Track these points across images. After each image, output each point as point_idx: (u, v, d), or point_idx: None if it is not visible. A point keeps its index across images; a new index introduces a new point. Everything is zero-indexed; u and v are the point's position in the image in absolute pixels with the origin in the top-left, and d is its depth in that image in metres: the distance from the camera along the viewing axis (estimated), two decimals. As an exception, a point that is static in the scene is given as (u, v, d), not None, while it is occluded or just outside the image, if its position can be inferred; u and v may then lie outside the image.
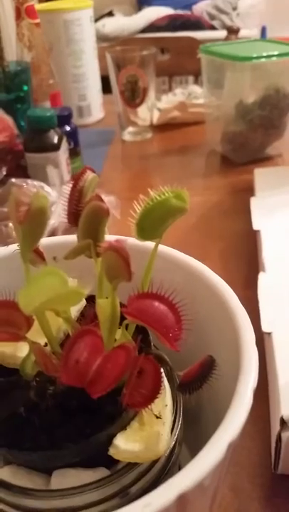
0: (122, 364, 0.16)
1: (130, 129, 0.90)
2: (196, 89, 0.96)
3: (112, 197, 0.62)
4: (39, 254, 0.18)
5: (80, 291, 0.15)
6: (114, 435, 0.19)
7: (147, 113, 0.89)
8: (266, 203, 0.56)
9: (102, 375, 0.16)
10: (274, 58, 0.70)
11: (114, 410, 0.19)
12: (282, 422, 0.31)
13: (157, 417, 0.20)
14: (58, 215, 0.55)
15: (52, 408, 0.19)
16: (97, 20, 1.44)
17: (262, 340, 0.40)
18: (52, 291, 0.14)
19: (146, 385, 0.18)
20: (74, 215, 0.19)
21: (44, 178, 0.67)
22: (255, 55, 0.69)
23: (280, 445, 0.32)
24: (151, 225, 0.19)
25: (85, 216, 0.18)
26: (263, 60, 0.70)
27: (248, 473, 0.34)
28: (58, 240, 0.27)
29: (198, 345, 0.23)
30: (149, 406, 0.19)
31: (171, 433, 0.21)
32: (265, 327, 0.38)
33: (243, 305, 0.22)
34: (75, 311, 0.23)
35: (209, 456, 0.15)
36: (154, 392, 0.17)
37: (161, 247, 0.26)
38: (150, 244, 0.20)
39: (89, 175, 0.19)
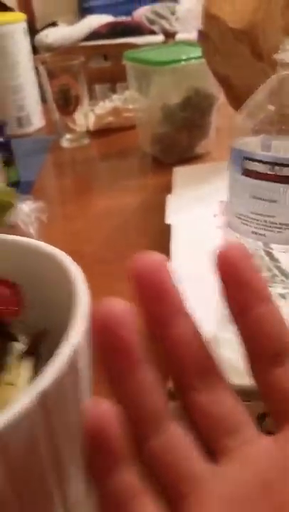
0: None
1: (68, 135, 0.93)
2: (133, 93, 1.00)
3: (41, 202, 0.65)
4: None
5: None
6: None
7: (83, 120, 0.92)
8: (180, 199, 0.60)
9: None
10: (192, 61, 0.74)
11: None
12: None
13: (11, 385, 0.23)
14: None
15: None
16: (41, 30, 1.47)
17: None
18: None
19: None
20: None
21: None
22: (174, 59, 0.73)
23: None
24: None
25: None
26: (183, 63, 0.74)
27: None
28: None
29: (44, 316, 0.26)
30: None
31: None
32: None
33: None
34: None
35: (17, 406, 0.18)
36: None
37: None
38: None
39: None
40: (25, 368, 0.25)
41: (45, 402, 0.20)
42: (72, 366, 0.21)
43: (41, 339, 0.22)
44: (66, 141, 0.93)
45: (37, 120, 1.02)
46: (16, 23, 0.94)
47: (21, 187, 0.77)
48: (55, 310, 0.27)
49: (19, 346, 0.25)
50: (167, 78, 0.76)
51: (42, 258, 0.27)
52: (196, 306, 0.21)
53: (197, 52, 0.75)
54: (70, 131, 0.93)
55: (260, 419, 0.30)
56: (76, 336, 0.21)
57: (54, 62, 0.87)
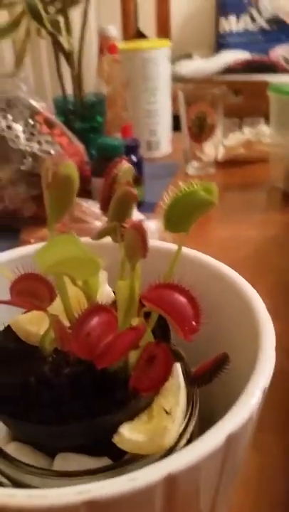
0: (129, 341, 0.17)
1: (195, 163, 0.92)
2: (265, 128, 0.97)
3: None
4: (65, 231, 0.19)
5: (95, 260, 0.15)
6: (120, 423, 0.19)
7: (212, 149, 0.90)
8: None
9: (110, 351, 0.16)
10: None
11: (123, 397, 0.19)
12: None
13: (167, 413, 0.20)
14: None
15: (63, 385, 0.19)
16: (175, 62, 1.51)
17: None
18: (68, 253, 0.14)
19: (155, 371, 0.18)
20: (106, 201, 0.19)
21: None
22: None
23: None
24: (177, 217, 0.19)
25: (114, 200, 0.19)
26: None
27: (268, 507, 0.32)
28: (95, 242, 0.28)
29: (216, 342, 0.23)
30: (160, 397, 0.19)
31: (185, 431, 0.20)
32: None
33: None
34: (102, 300, 0.23)
35: (204, 444, 0.15)
36: (163, 378, 0.17)
37: (187, 250, 0.26)
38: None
39: (124, 165, 0.20)
40: (182, 397, 0.21)
41: (229, 444, 0.16)
42: (257, 411, 0.17)
43: (223, 366, 0.18)
44: (192, 169, 0.92)
45: (165, 146, 1.03)
46: (160, 48, 0.96)
47: (145, 207, 0.77)
48: (225, 338, 0.24)
49: (178, 369, 0.22)
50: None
51: (222, 282, 0.25)
52: None
53: None
54: (198, 159, 0.91)
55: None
56: (264, 379, 0.18)
57: (195, 90, 0.87)
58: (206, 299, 0.20)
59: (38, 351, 0.20)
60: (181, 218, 0.19)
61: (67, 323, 0.20)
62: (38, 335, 0.21)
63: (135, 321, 0.20)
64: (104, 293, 0.23)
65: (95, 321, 0.17)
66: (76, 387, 0.19)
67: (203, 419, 0.22)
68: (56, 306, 0.20)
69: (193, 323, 0.19)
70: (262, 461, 0.34)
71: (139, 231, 0.16)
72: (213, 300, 0.23)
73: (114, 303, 0.23)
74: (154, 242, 0.26)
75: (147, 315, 0.22)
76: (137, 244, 0.16)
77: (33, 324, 0.22)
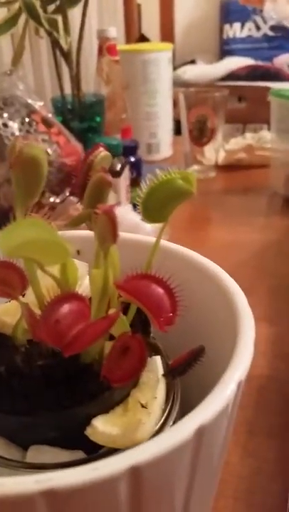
0: (100, 330, 0.16)
1: (195, 167, 0.91)
2: (266, 134, 0.96)
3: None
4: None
5: (63, 244, 0.15)
6: (94, 415, 0.19)
7: (213, 153, 0.90)
8: None
9: (79, 339, 0.16)
10: None
11: (96, 389, 0.19)
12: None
13: (143, 406, 0.19)
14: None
15: (35, 376, 0.19)
16: (179, 67, 1.51)
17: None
18: (33, 236, 0.14)
19: (128, 362, 0.17)
20: (82, 188, 0.19)
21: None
22: None
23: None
24: (155, 205, 0.19)
25: (89, 187, 0.18)
26: None
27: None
28: (82, 233, 0.27)
29: (196, 335, 0.22)
30: (138, 390, 0.19)
31: (163, 427, 0.20)
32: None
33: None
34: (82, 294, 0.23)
35: (171, 436, 0.14)
36: (136, 370, 0.17)
37: (166, 242, 0.25)
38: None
39: (101, 152, 0.20)
40: (160, 390, 0.21)
41: (200, 438, 0.15)
42: (233, 404, 0.17)
43: (198, 358, 0.18)
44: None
45: (166, 149, 1.02)
46: (163, 51, 0.96)
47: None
48: (205, 331, 0.23)
49: (157, 363, 0.21)
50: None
51: (198, 271, 0.24)
52: None
53: None
54: (198, 163, 0.91)
55: None
56: (240, 372, 0.17)
57: (196, 93, 0.87)
58: (186, 292, 0.19)
59: (11, 340, 0.20)
60: (158, 207, 0.19)
61: (39, 313, 0.19)
62: (9, 324, 0.21)
63: (112, 312, 0.19)
64: (84, 286, 0.23)
65: (65, 308, 0.17)
66: (48, 378, 0.19)
67: (185, 414, 0.22)
68: (30, 296, 0.19)
69: (170, 314, 0.18)
70: (255, 465, 0.34)
71: (109, 216, 0.15)
72: (194, 292, 0.22)
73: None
74: (136, 235, 0.26)
75: (128, 307, 0.21)
76: (107, 229, 0.16)
77: (8, 315, 0.21)
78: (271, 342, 0.43)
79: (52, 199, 0.76)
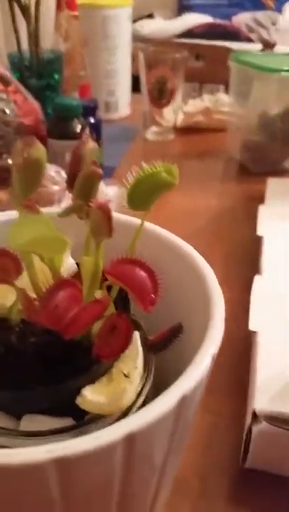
0: (95, 314, 0.18)
1: (154, 128, 0.92)
2: (224, 97, 0.97)
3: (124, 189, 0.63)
4: (33, 209, 0.20)
5: (64, 239, 0.16)
6: (83, 386, 0.21)
7: (172, 115, 0.90)
8: (273, 211, 0.57)
9: (76, 322, 0.18)
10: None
11: (85, 364, 0.21)
12: (254, 415, 0.32)
13: (125, 376, 0.21)
14: (70, 198, 0.56)
15: (29, 353, 0.21)
16: (136, 21, 1.47)
17: (248, 338, 0.41)
18: (38, 233, 0.15)
19: (116, 340, 0.19)
20: (72, 179, 0.20)
21: (63, 165, 0.69)
22: (284, 68, 0.71)
23: (250, 438, 0.33)
24: (140, 196, 0.20)
25: (80, 179, 0.19)
26: (291, 73, 0.71)
27: (217, 464, 0.35)
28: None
29: (172, 313, 0.24)
30: (120, 361, 0.21)
31: (140, 394, 0.22)
32: (252, 326, 0.39)
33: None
34: (66, 273, 0.24)
35: (159, 405, 0.17)
36: (123, 346, 0.19)
37: (147, 224, 0.27)
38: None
39: (90, 144, 0.21)
40: (140, 361, 0.23)
41: (182, 406, 0.18)
42: (207, 375, 0.19)
43: (177, 335, 0.20)
44: (151, 134, 0.92)
45: (124, 108, 1.02)
46: (122, 7, 0.93)
47: (103, 171, 0.77)
48: (180, 309, 0.26)
49: (136, 337, 0.23)
50: (272, 86, 0.73)
51: (173, 252, 0.26)
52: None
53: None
54: (157, 124, 0.91)
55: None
56: (214, 346, 0.20)
57: (156, 53, 0.86)
58: (163, 272, 0.21)
59: (5, 322, 0.21)
60: (143, 198, 0.20)
61: (32, 295, 0.21)
62: (4, 306, 0.22)
63: (98, 294, 0.21)
64: (68, 265, 0.24)
65: (61, 294, 0.18)
66: (42, 354, 0.21)
67: (157, 383, 0.24)
68: (22, 280, 0.20)
69: (152, 296, 0.20)
70: (212, 421, 0.37)
71: (105, 212, 0.17)
72: (169, 272, 0.24)
73: (77, 274, 0.24)
74: (116, 214, 0.27)
75: (109, 287, 0.23)
76: (102, 224, 0.17)
77: (-2, 296, 0.23)
78: (229, 305, 0.47)
79: (10, 160, 0.75)
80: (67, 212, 0.20)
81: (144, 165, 0.20)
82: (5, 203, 0.62)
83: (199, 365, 0.19)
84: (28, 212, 0.18)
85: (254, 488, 0.33)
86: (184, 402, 0.18)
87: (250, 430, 0.32)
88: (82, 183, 0.19)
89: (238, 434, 0.36)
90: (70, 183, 0.20)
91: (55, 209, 0.28)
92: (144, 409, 0.17)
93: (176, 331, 0.20)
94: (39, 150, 0.17)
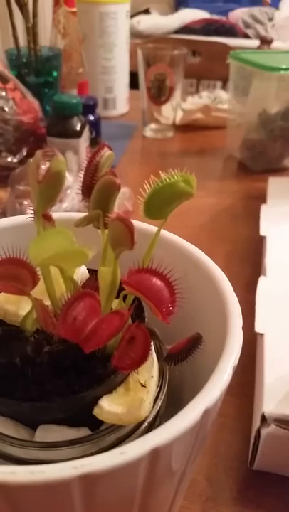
0: (115, 326, 0.18)
1: (152, 125, 0.91)
2: (222, 94, 0.97)
3: (127, 188, 0.63)
4: (49, 219, 0.20)
5: (85, 252, 0.16)
6: (100, 397, 0.20)
7: (171, 112, 0.90)
8: (276, 211, 0.57)
9: (96, 334, 0.18)
10: (302, 71, 0.71)
11: (103, 373, 0.20)
12: (263, 418, 0.32)
13: (142, 385, 0.21)
14: (71, 199, 0.56)
15: (46, 364, 0.20)
16: (133, 16, 1.45)
17: (255, 340, 0.41)
18: (60, 247, 0.15)
19: (135, 351, 0.19)
20: (87, 188, 0.20)
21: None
22: (283, 66, 0.70)
23: (259, 441, 0.33)
24: (157, 205, 0.20)
25: (97, 188, 0.19)
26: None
27: (224, 465, 0.35)
28: (72, 215, 0.28)
29: (187, 322, 0.24)
30: (136, 371, 0.21)
31: (155, 402, 0.22)
32: (258, 328, 0.39)
33: (242, 307, 0.23)
34: (78, 280, 0.24)
35: (184, 419, 0.17)
36: (142, 357, 0.19)
37: (162, 231, 0.27)
38: (153, 228, 0.21)
39: (106, 151, 0.20)
40: (155, 370, 0.23)
41: (204, 419, 0.18)
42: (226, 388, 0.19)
43: (197, 345, 0.20)
44: (150, 131, 0.92)
45: (122, 105, 1.01)
46: (120, 3, 0.92)
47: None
48: (194, 318, 0.25)
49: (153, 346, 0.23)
50: (272, 84, 0.73)
51: (189, 260, 0.26)
52: None
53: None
54: (156, 121, 0.91)
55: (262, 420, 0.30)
56: (235, 358, 0.20)
57: (154, 50, 0.85)
58: (179, 282, 0.21)
59: (21, 332, 0.21)
60: (160, 207, 0.20)
61: (47, 303, 0.21)
62: (17, 314, 0.22)
63: (115, 304, 0.21)
64: (80, 272, 0.24)
65: (80, 305, 0.18)
66: (58, 365, 0.20)
67: (172, 393, 0.24)
68: (37, 289, 0.20)
69: (170, 306, 0.20)
70: (220, 422, 0.37)
71: (126, 224, 0.17)
72: (184, 281, 0.24)
73: (89, 281, 0.24)
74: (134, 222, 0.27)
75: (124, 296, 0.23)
76: (124, 237, 0.17)
77: (11, 303, 0.22)
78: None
79: (9, 159, 0.74)
80: (84, 222, 0.20)
81: (162, 175, 0.20)
82: (4, 202, 0.62)
83: (221, 377, 0.19)
84: (45, 223, 0.18)
85: (262, 490, 0.33)
86: (206, 414, 0.17)
87: (258, 433, 0.33)
88: (99, 193, 0.19)
89: (245, 435, 0.36)
90: (86, 192, 0.20)
91: (69, 214, 0.28)
92: (168, 423, 0.17)
93: (195, 342, 0.20)
94: (60, 163, 0.17)
